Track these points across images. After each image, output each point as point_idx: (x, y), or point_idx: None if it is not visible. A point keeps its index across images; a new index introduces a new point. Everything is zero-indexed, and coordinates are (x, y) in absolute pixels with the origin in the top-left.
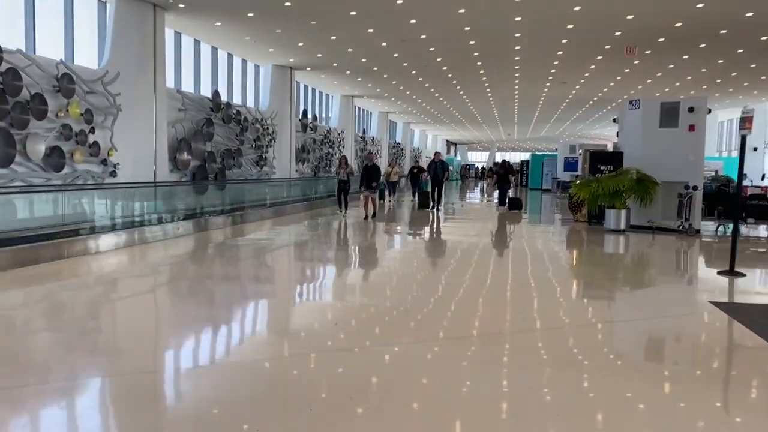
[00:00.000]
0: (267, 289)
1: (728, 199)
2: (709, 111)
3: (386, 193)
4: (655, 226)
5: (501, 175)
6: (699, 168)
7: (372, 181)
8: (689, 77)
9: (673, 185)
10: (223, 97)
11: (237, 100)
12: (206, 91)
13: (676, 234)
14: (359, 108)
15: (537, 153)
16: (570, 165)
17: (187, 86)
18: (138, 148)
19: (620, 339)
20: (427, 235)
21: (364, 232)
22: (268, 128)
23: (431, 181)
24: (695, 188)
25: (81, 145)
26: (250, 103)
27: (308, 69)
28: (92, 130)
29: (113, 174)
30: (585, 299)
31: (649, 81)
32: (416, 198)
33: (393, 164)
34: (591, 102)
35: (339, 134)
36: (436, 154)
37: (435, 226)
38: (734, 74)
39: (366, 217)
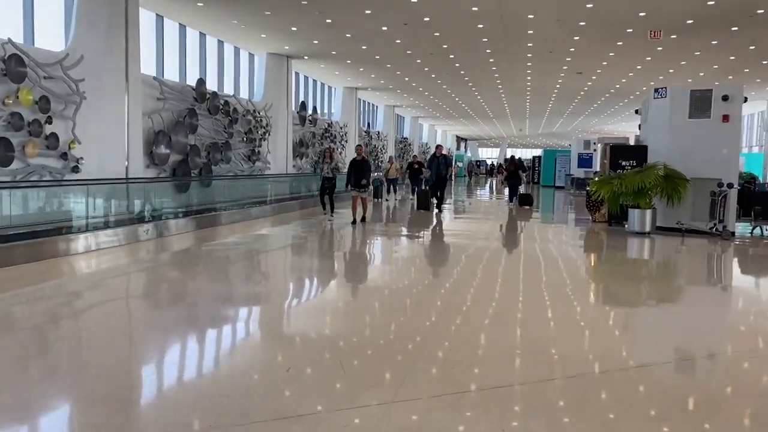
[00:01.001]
0: (204, 316)
1: (766, 199)
2: (745, 100)
3: (386, 191)
4: (684, 228)
5: (511, 171)
6: (734, 163)
7: (360, 179)
8: (715, 66)
9: (704, 182)
10: (213, 87)
11: (229, 90)
12: (193, 81)
13: (708, 237)
14: (364, 101)
15: (549, 149)
16: (584, 161)
17: (172, 75)
18: (106, 141)
19: (667, 390)
20: (422, 243)
21: (348, 239)
22: (261, 120)
23: (434, 178)
24: (730, 186)
25: (35, 137)
26: (244, 94)
27: (305, 58)
28: (49, 120)
29: (75, 170)
30: (616, 329)
31: (671, 71)
32: (415, 197)
33: (392, 160)
34: (607, 94)
35: (341, 128)
36: (438, 147)
37: (434, 230)
38: (765, 62)
39: (354, 222)
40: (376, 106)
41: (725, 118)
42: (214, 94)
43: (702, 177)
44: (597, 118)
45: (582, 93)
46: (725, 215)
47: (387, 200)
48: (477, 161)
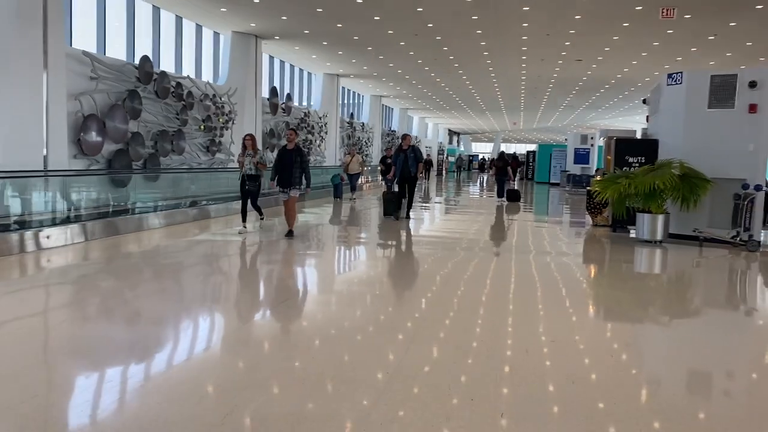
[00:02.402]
0: None
1: None
2: None
3: (350, 188)
4: (703, 237)
5: (500, 167)
6: (762, 161)
7: (290, 176)
8: (729, 53)
9: (725, 183)
10: (170, 69)
11: (190, 73)
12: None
13: (730, 247)
14: (348, 90)
15: (544, 144)
16: (581, 157)
17: (119, 54)
18: (15, 126)
19: None
20: (378, 266)
21: (263, 262)
22: (223, 107)
23: (399, 176)
24: (758, 188)
25: None
26: (208, 78)
27: (276, 38)
28: None
29: None
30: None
31: (679, 58)
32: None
33: (353, 151)
34: (607, 86)
35: (321, 118)
36: (405, 137)
37: (397, 246)
38: None
39: (290, 233)
40: (362, 96)
41: (752, 108)
42: (163, 74)
43: (723, 177)
44: (594, 112)
45: (580, 83)
46: (751, 222)
47: (352, 200)
48: (469, 156)
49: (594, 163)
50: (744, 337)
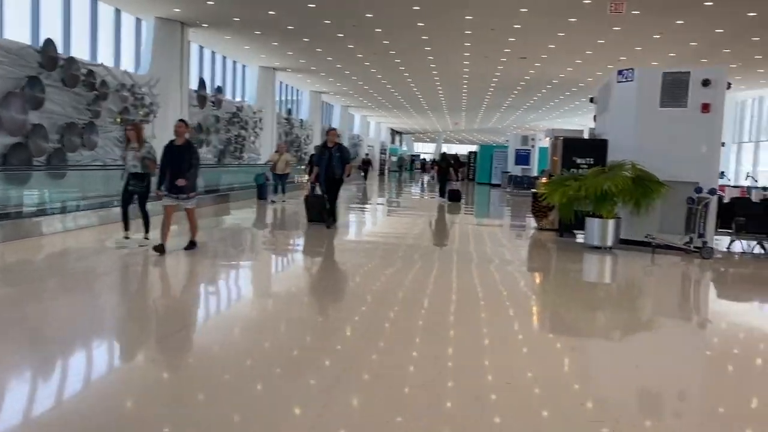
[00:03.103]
0: None
1: (751, 208)
2: (729, 86)
3: (273, 190)
4: (655, 244)
5: (442, 167)
6: (715, 164)
7: (179, 177)
8: (672, 54)
9: (677, 187)
10: (82, 55)
11: (108, 61)
12: (60, 49)
13: (683, 254)
14: (286, 85)
15: (485, 144)
16: (522, 158)
17: (22, 37)
18: None
19: None
20: (299, 282)
21: (153, 282)
22: (143, 98)
23: (323, 178)
24: (713, 192)
25: None
26: (129, 67)
27: (204, 25)
28: None
29: None
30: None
31: (623, 58)
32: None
33: (281, 148)
34: (550, 85)
35: (255, 113)
36: (330, 133)
37: (323, 257)
38: (727, 51)
39: (160, 248)
40: (300, 92)
41: (705, 107)
42: (71, 60)
43: (675, 180)
44: (535, 113)
45: (522, 83)
46: (705, 228)
47: (275, 202)
48: (411, 156)
49: (535, 165)
50: (698, 351)
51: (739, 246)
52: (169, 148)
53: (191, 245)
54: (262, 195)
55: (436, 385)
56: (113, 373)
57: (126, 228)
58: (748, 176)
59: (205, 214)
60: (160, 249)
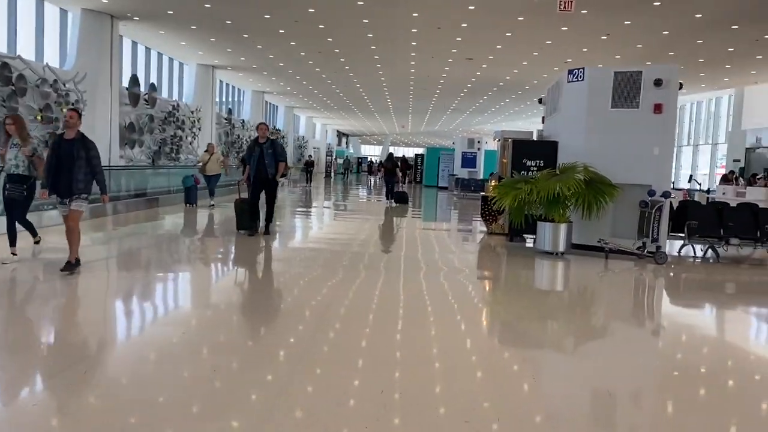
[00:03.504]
0: None
1: (705, 212)
2: (681, 86)
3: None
4: (608, 249)
5: (389, 169)
6: (667, 166)
7: (71, 180)
8: (618, 56)
9: (629, 190)
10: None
11: (29, 54)
12: None
13: (636, 259)
14: (226, 84)
15: (432, 147)
16: (468, 161)
17: None
18: None
19: None
20: (222, 303)
21: (35, 308)
22: (67, 94)
23: (252, 179)
24: (666, 195)
25: None
26: (53, 60)
27: (136, 18)
28: None
29: None
30: None
31: (569, 60)
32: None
33: (212, 148)
34: (496, 87)
35: (192, 113)
36: (260, 127)
37: (253, 270)
38: (672, 53)
39: (69, 264)
40: (242, 91)
41: (657, 108)
42: None
43: (627, 182)
44: (481, 116)
45: (469, 85)
46: (658, 232)
47: (210, 206)
48: (358, 158)
49: (481, 167)
50: (654, 361)
51: (689, 250)
52: (58, 143)
53: (69, 266)
54: (190, 199)
55: (381, 425)
56: None
57: (11, 243)
58: (691, 179)
59: (124, 222)
60: (68, 267)
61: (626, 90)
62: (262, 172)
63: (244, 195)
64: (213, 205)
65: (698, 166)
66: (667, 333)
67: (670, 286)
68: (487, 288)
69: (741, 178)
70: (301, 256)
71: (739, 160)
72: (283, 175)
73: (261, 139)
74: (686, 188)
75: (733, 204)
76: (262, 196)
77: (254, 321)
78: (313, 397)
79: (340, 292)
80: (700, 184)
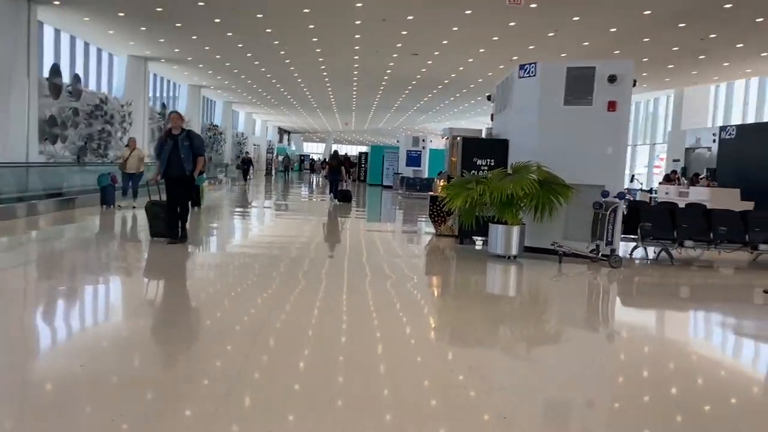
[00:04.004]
0: None
1: (657, 213)
2: (634, 83)
3: (123, 193)
4: (562, 252)
5: (333, 166)
6: (621, 166)
7: None
8: (564, 54)
9: (582, 191)
10: None
11: None
12: None
13: (589, 263)
14: (161, 78)
15: (377, 145)
16: (413, 159)
17: None
18: None
19: None
20: (125, 326)
21: None
22: None
23: (164, 176)
24: (621, 196)
25: None
26: None
27: (56, 2)
28: None
29: None
30: None
31: (515, 57)
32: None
33: (133, 143)
34: (441, 85)
35: (123, 106)
36: (173, 116)
37: (168, 283)
38: (617, 52)
39: None
40: (178, 85)
41: (611, 105)
42: None
43: (580, 183)
44: (425, 114)
45: (414, 82)
46: (613, 235)
47: (121, 207)
48: (300, 156)
49: (426, 166)
50: (604, 368)
51: (641, 252)
52: None
53: None
54: (106, 200)
55: None
56: None
57: None
58: (633, 179)
59: (24, 227)
60: None
61: (579, 86)
62: (177, 168)
63: (156, 197)
64: (135, 207)
65: (636, 166)
66: (625, 340)
67: (626, 291)
68: (438, 297)
69: (683, 178)
70: (233, 263)
71: (678, 160)
72: (201, 172)
73: (175, 130)
74: (627, 188)
75: (681, 204)
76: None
77: (168, 346)
78: None
79: (273, 307)
80: (642, 184)
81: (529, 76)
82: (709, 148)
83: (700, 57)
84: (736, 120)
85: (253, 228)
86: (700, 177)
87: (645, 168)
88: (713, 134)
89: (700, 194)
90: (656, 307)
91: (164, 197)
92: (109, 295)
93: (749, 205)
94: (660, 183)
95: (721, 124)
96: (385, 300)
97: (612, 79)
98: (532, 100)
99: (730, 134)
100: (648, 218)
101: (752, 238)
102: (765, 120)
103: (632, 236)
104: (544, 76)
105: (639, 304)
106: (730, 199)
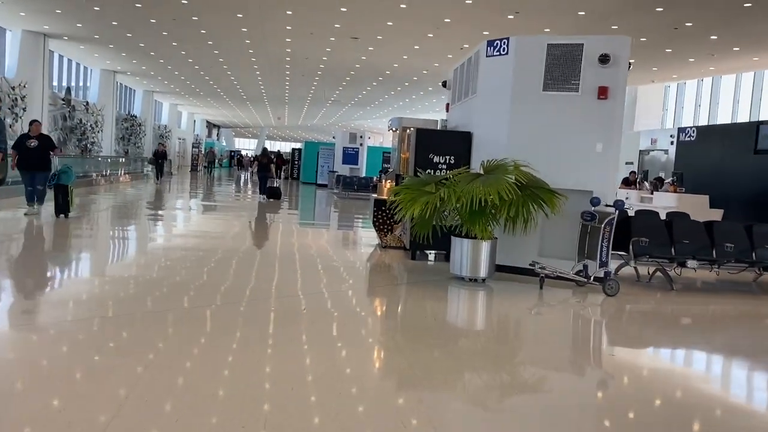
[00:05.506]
0: None
1: (654, 226)
2: (630, 65)
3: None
4: (545, 275)
5: (263, 163)
6: (612, 167)
7: None
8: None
9: (566, 197)
10: None
11: None
12: None
13: (574, 287)
14: (68, 60)
15: (311, 141)
16: (350, 156)
17: None
18: None
19: None
20: None
21: None
22: None
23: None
24: (618, 206)
25: None
26: None
27: None
28: None
29: None
30: None
31: (466, 45)
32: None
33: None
34: (381, 77)
35: (14, 89)
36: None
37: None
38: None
39: None
40: (89, 69)
41: (602, 91)
42: None
43: (562, 188)
44: (363, 110)
45: (352, 73)
46: (608, 253)
47: (32, 214)
48: (230, 151)
49: (363, 164)
50: None
51: (628, 270)
52: None
53: None
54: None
55: None
56: None
57: None
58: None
59: None
60: None
61: (563, 68)
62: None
63: None
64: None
65: None
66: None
67: (629, 330)
68: (389, 339)
69: (645, 182)
70: (141, 278)
71: (632, 163)
72: (68, 169)
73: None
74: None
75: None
76: None
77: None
78: None
79: (178, 355)
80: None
81: (500, 55)
82: (666, 151)
83: (667, 50)
84: (687, 122)
85: (163, 235)
86: (666, 181)
87: None
88: (671, 136)
89: (665, 200)
90: (679, 353)
91: None
92: None
93: (718, 214)
94: (619, 187)
95: (671, 126)
96: (323, 354)
97: (604, 59)
98: (503, 83)
99: (690, 136)
100: (643, 232)
101: (759, 255)
102: (719, 122)
103: (619, 252)
104: (519, 54)
105: (650, 341)
106: (698, 207)
